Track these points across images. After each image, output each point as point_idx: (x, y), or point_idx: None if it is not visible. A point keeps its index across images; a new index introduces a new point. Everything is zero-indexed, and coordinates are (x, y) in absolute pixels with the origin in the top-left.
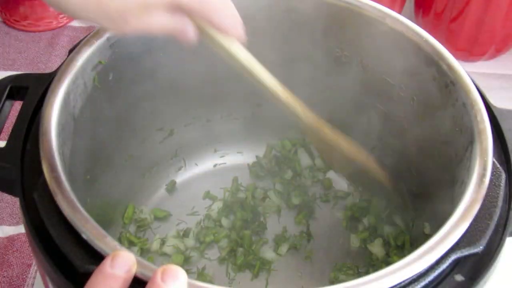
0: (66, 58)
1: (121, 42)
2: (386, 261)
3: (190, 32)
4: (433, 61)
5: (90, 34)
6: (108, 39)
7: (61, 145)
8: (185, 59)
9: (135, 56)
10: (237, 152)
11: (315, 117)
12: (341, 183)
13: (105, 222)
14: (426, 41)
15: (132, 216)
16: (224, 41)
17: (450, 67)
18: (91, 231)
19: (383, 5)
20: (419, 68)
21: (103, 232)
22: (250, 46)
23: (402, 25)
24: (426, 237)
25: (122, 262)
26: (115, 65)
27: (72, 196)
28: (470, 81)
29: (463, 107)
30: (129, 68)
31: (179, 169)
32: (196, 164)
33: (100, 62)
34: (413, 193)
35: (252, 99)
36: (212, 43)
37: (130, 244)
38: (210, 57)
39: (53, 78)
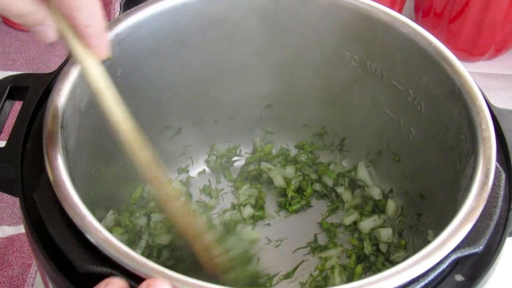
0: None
1: (130, 38)
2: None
3: (47, 31)
4: (440, 67)
5: None
6: (117, 35)
7: (65, 139)
8: (193, 58)
9: (144, 53)
10: (245, 153)
11: (157, 170)
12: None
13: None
14: (434, 47)
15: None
16: (80, 53)
17: (457, 73)
18: (90, 227)
19: (383, 5)
20: (426, 74)
21: (102, 228)
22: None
23: (410, 29)
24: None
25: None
26: (123, 61)
27: (73, 192)
28: (477, 88)
29: (469, 114)
30: (138, 65)
31: (187, 167)
32: (204, 163)
33: (108, 58)
34: (417, 199)
35: (261, 100)
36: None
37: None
38: (219, 56)
39: (59, 72)
